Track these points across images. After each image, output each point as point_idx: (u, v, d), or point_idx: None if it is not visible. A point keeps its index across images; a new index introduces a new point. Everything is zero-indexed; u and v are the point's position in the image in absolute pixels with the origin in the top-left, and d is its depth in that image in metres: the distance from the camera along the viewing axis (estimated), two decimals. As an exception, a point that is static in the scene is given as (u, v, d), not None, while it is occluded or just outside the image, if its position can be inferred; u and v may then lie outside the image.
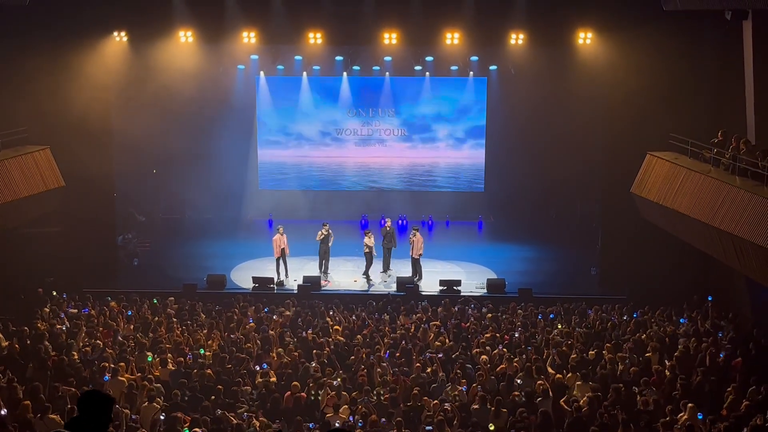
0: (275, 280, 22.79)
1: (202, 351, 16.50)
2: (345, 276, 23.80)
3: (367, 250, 23.51)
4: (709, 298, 20.10)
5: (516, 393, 14.79)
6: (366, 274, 23.68)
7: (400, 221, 27.92)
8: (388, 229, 23.87)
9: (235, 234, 27.76)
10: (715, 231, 17.53)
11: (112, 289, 21.62)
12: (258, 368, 15.94)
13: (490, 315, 19.48)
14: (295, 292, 21.92)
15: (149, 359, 16.08)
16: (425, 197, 29.84)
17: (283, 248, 23.16)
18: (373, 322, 18.90)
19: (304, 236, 25.39)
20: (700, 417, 13.51)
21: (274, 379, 15.50)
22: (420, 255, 23.30)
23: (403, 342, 17.37)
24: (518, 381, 15.36)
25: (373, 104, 29.61)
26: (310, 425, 13.69)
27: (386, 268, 23.98)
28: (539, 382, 14.97)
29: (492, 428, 13.52)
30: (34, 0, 19.99)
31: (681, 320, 19.34)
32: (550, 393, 14.70)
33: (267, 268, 23.72)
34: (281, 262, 23.22)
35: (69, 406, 13.55)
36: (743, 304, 20.57)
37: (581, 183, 27.40)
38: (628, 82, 21.89)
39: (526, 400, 14.43)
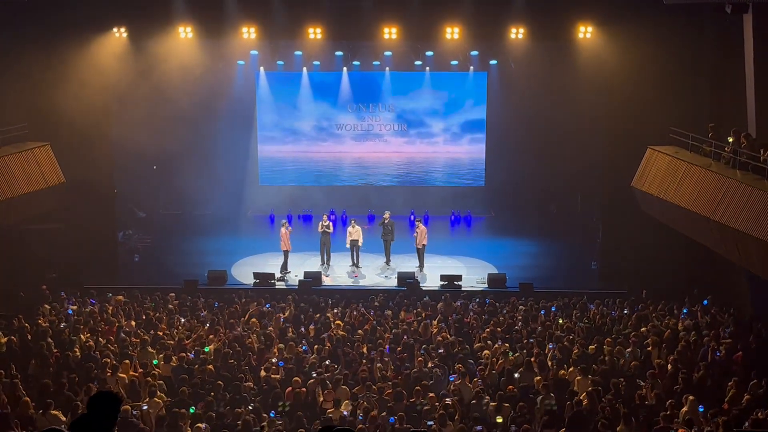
0: (276, 275, 22.82)
1: (207, 349, 16.48)
2: (346, 271, 23.82)
3: (353, 238, 23.64)
4: (705, 303, 20.02)
5: (511, 387, 14.81)
6: (356, 264, 23.82)
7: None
8: (386, 221, 23.88)
9: (235, 230, 27.77)
10: (715, 225, 17.54)
11: (113, 285, 21.67)
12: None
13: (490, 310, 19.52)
14: (296, 287, 21.95)
15: (155, 362, 16.08)
16: (425, 192, 29.85)
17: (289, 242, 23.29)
18: (374, 317, 18.93)
19: (305, 231, 25.46)
20: (701, 410, 13.53)
21: (276, 376, 15.52)
22: (424, 245, 23.44)
23: (405, 337, 17.40)
24: (516, 375, 15.39)
25: (373, 99, 29.60)
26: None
27: (387, 260, 24.01)
28: (537, 378, 15.00)
29: (500, 420, 13.56)
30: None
31: (684, 311, 19.34)
32: (550, 390, 14.71)
33: (268, 264, 23.75)
34: (285, 256, 23.34)
35: (74, 402, 13.57)
36: (744, 298, 20.59)
37: (582, 177, 27.38)
38: (628, 76, 21.88)
39: (525, 395, 14.46)
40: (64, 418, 13.05)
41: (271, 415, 13.93)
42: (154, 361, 16.04)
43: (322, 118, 29.77)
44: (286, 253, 23.27)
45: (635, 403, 14.26)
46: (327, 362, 15.95)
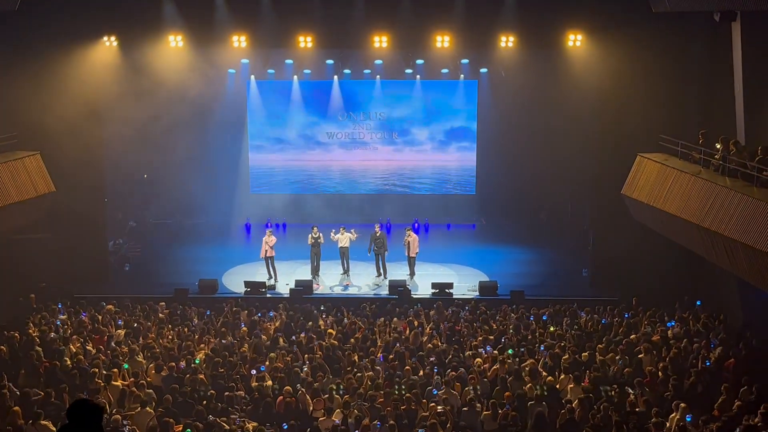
0: (267, 283, 22.78)
1: (197, 361, 16.39)
2: (336, 279, 23.79)
3: (342, 245, 23.62)
4: (698, 303, 20.12)
5: (508, 393, 14.81)
6: (346, 272, 23.79)
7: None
8: (377, 234, 23.82)
9: (226, 238, 27.74)
10: (705, 232, 17.59)
11: (103, 295, 21.57)
12: (254, 372, 15.92)
13: (482, 318, 19.52)
14: (287, 296, 21.90)
15: (125, 366, 15.98)
16: (417, 200, 29.91)
17: (267, 250, 23.25)
18: (366, 325, 18.90)
19: (296, 240, 25.42)
20: (689, 419, 13.52)
21: (269, 383, 15.49)
22: (416, 253, 23.44)
23: (397, 345, 17.39)
24: (508, 384, 15.38)
25: (363, 108, 29.65)
26: (284, 426, 13.69)
27: (379, 272, 23.91)
28: (528, 386, 14.99)
29: None
30: (23, 5, 19.90)
31: (671, 322, 19.40)
32: (542, 397, 14.72)
33: (258, 273, 23.72)
34: (269, 264, 23.30)
35: (63, 412, 13.52)
36: (734, 305, 20.64)
37: (572, 184, 27.47)
38: (617, 83, 21.97)
39: (518, 403, 14.45)
40: (53, 429, 12.99)
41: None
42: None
43: (312, 126, 29.79)
44: (265, 260, 23.30)
45: (626, 410, 14.28)
46: (317, 370, 15.95)
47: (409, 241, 23.45)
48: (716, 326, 18.73)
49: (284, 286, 22.85)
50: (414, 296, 22.04)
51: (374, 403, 14.41)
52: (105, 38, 22.60)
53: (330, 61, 27.86)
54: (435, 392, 15.09)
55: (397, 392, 14.87)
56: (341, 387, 15.33)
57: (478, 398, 14.86)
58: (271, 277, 23.44)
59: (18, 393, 14.49)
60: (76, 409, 5.38)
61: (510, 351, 17.15)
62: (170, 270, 24.84)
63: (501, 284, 22.69)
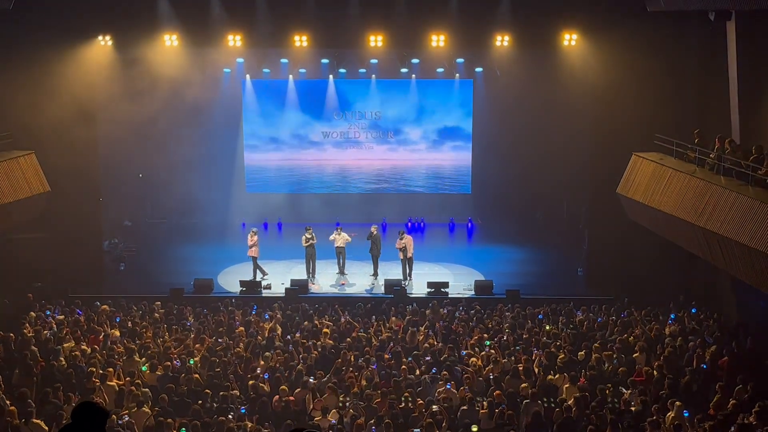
0: (263, 284, 22.75)
1: (191, 362, 16.36)
2: (332, 279, 23.76)
3: (338, 245, 23.62)
4: (693, 311, 20.08)
5: (498, 393, 14.80)
6: (341, 272, 23.79)
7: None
8: (373, 234, 23.76)
9: (222, 238, 27.69)
10: (700, 231, 17.61)
11: (98, 294, 21.54)
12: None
13: (476, 317, 19.52)
14: (283, 295, 21.88)
15: (143, 368, 15.98)
16: (412, 200, 29.89)
17: (249, 249, 23.30)
18: (361, 324, 18.90)
19: (292, 239, 25.38)
20: (686, 414, 13.56)
21: (264, 385, 15.47)
22: (412, 254, 23.45)
23: (392, 344, 17.38)
24: (503, 384, 15.38)
25: (359, 107, 29.64)
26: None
27: (375, 273, 23.89)
28: (523, 385, 14.99)
29: (475, 429, 13.52)
30: (17, 4, 19.86)
31: (671, 316, 19.42)
32: (537, 396, 14.72)
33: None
34: (253, 263, 23.38)
35: (58, 412, 13.49)
36: (728, 303, 20.69)
37: (568, 184, 27.48)
38: (613, 83, 21.99)
39: (512, 402, 14.46)
40: (46, 428, 12.96)
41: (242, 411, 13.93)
42: (143, 368, 15.96)
43: (307, 125, 29.77)
44: (252, 260, 23.34)
45: (621, 409, 14.29)
46: (315, 369, 15.93)
47: (405, 245, 23.31)
48: (711, 325, 18.76)
49: (280, 285, 22.77)
50: (409, 296, 22.03)
51: (370, 402, 14.40)
52: (100, 37, 22.57)
53: (325, 61, 27.83)
54: (432, 392, 15.08)
55: (394, 393, 14.85)
56: (337, 387, 15.31)
57: (474, 397, 14.85)
58: (264, 276, 23.36)
59: (7, 395, 14.44)
60: (81, 411, 5.41)
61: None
62: (165, 269, 24.81)
63: (497, 283, 22.67)
